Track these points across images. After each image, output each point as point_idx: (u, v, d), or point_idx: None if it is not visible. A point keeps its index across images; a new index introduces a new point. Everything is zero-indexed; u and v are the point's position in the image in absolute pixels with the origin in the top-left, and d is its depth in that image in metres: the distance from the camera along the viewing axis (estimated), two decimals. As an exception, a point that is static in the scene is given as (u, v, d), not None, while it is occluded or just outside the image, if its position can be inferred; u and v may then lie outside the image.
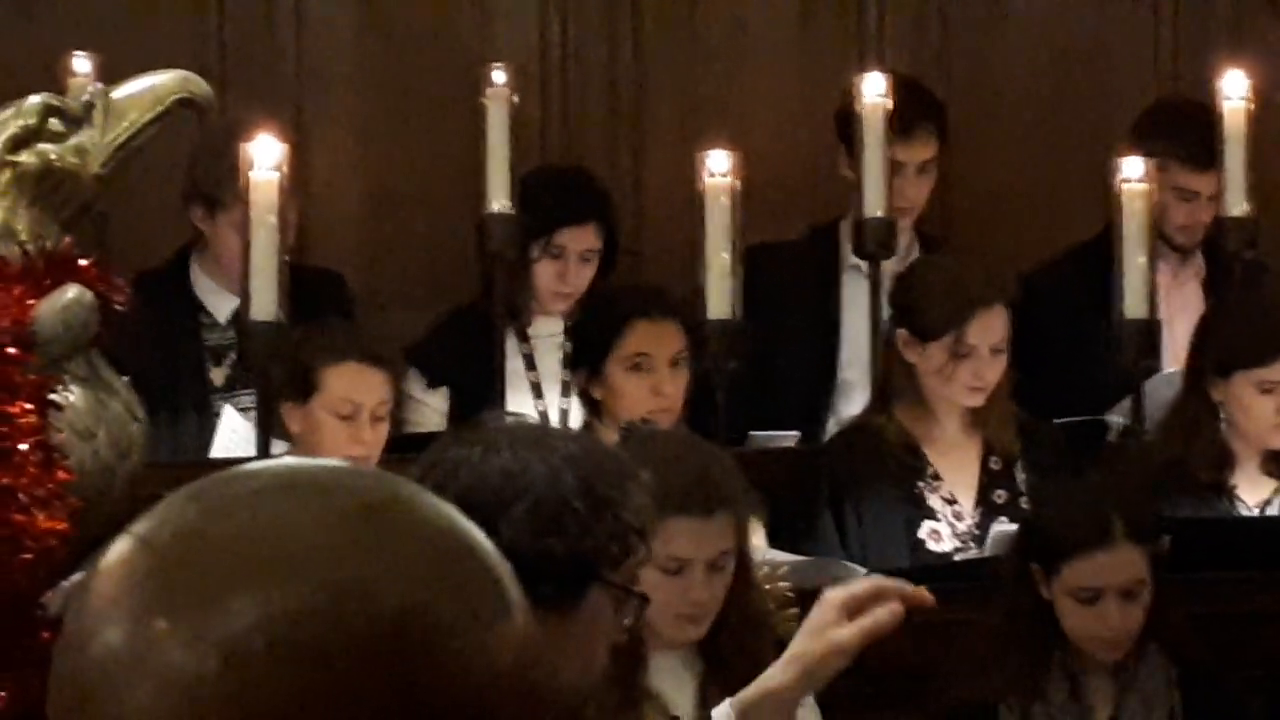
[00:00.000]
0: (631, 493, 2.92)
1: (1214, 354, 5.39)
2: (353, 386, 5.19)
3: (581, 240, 5.81)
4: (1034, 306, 5.80)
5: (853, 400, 5.96)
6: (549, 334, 5.92)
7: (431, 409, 5.73)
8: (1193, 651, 4.78)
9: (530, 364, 5.88)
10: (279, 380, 5.28)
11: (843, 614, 3.18)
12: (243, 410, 5.57)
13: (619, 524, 2.85)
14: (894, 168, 5.72)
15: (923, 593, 3.23)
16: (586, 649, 2.91)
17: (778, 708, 3.30)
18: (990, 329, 5.31)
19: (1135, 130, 6.01)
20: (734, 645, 4.02)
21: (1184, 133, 6.04)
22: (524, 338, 5.89)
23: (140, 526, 1.64)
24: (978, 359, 5.33)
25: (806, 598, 3.87)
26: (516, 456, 2.87)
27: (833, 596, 3.23)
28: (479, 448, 2.91)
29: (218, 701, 1.56)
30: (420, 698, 1.58)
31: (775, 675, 3.26)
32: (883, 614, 3.17)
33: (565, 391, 5.81)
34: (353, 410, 5.10)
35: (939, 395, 5.39)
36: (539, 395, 5.83)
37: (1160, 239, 5.71)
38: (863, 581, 3.45)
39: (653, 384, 5.30)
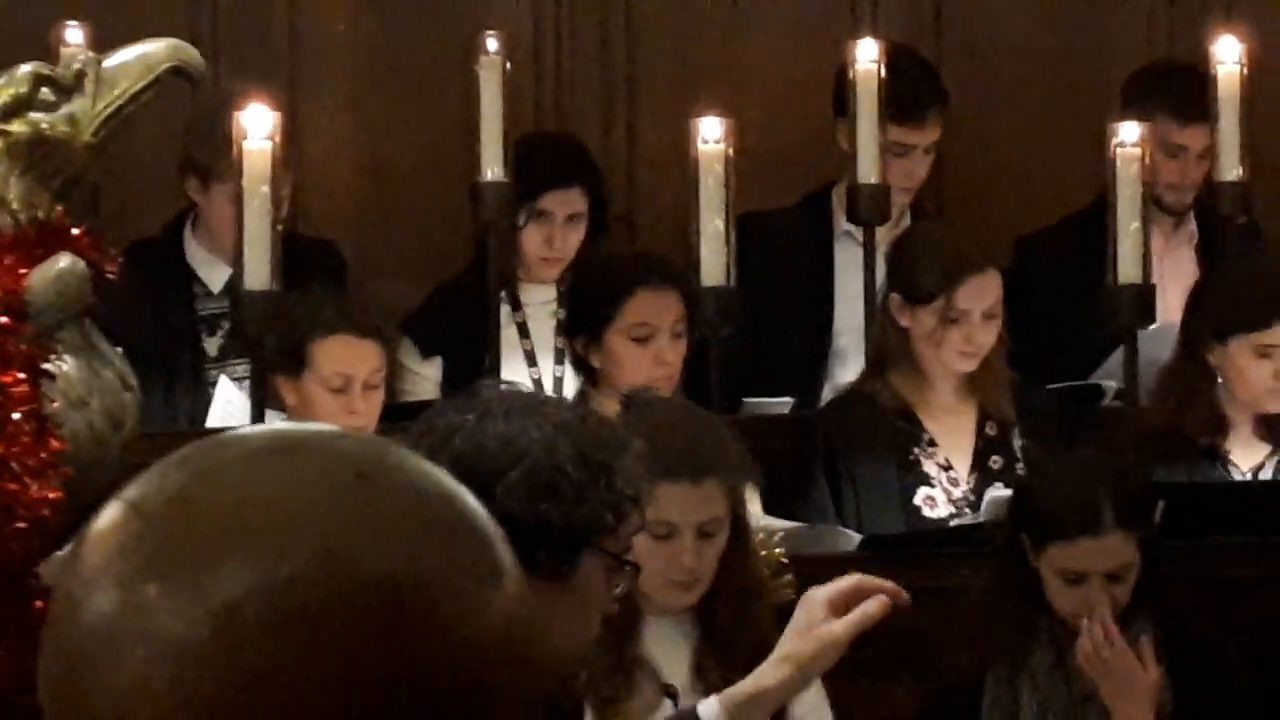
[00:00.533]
0: (626, 461, 2.90)
1: (1210, 319, 5.36)
2: (343, 360, 5.17)
3: (567, 204, 5.77)
4: (1029, 272, 5.87)
5: (848, 367, 5.91)
6: (541, 301, 5.89)
7: (426, 379, 5.69)
8: (1181, 619, 4.77)
9: (524, 332, 5.84)
10: (272, 353, 5.25)
11: (829, 611, 3.19)
12: (237, 380, 5.53)
13: (613, 492, 2.83)
14: (903, 150, 5.74)
15: (901, 592, 3.23)
16: (580, 617, 2.89)
17: (768, 707, 3.30)
18: (982, 293, 5.29)
19: (1125, 90, 6.00)
20: (729, 613, 3.99)
21: (1172, 88, 6.05)
22: (516, 306, 5.86)
23: (130, 492, 1.63)
24: (969, 324, 5.30)
25: (802, 565, 3.92)
26: (512, 423, 2.85)
27: (818, 595, 3.23)
28: (473, 414, 2.88)
29: (209, 666, 1.55)
30: (411, 663, 1.56)
31: (767, 674, 3.26)
32: (871, 607, 3.17)
33: (559, 359, 5.77)
34: (344, 383, 5.07)
35: (933, 361, 5.35)
36: (533, 363, 5.80)
37: (1153, 202, 5.69)
38: (845, 579, 3.39)
39: (655, 352, 5.28)
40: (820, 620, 3.20)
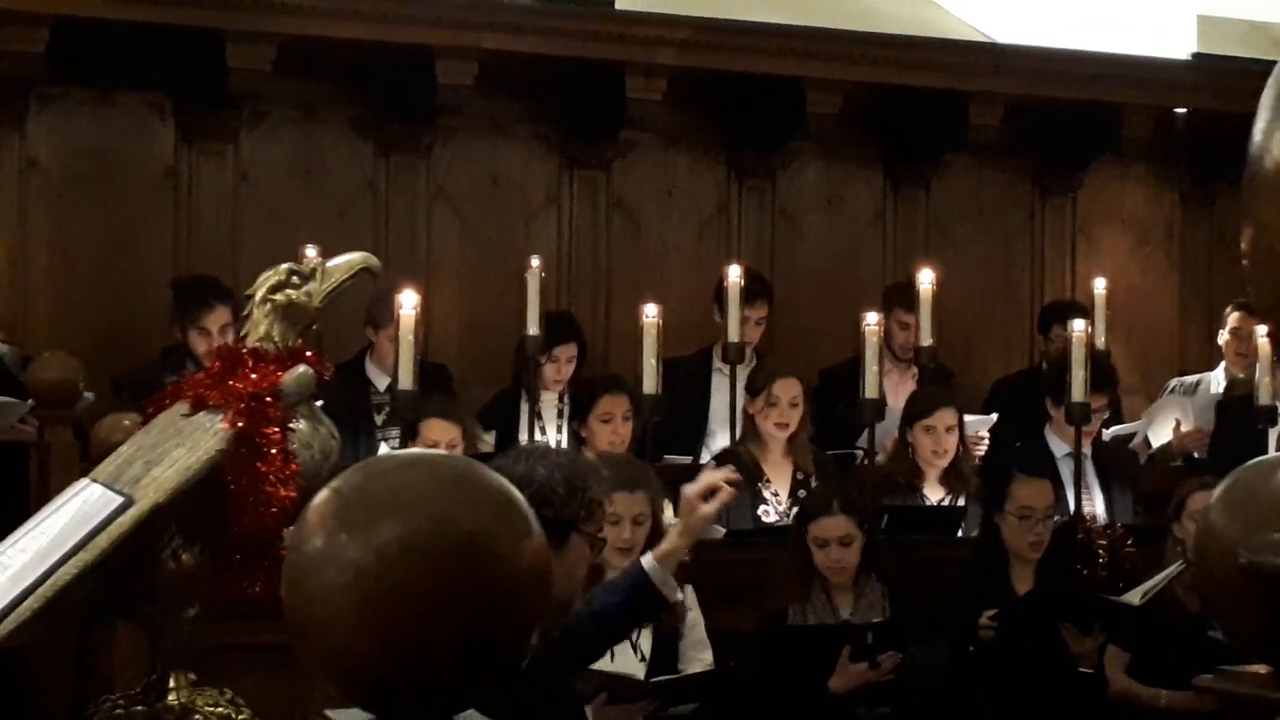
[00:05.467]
0: (593, 482, 3.24)
1: (905, 411, 6.31)
2: (433, 432, 5.73)
3: (567, 351, 6.55)
4: (825, 387, 6.96)
5: (715, 440, 6.79)
6: (548, 402, 6.53)
7: (486, 443, 6.16)
8: (896, 578, 5.41)
9: (538, 417, 6.44)
10: (404, 428, 5.84)
11: (700, 498, 3.57)
12: (388, 440, 6.28)
13: (585, 499, 3.18)
14: (745, 320, 6.54)
15: (735, 476, 3.67)
16: (571, 572, 3.15)
17: (677, 555, 3.55)
18: (787, 389, 6.07)
19: (884, 295, 7.23)
20: None
21: (902, 292, 7.12)
22: (535, 403, 6.47)
23: (333, 483, 1.92)
24: (780, 407, 6.06)
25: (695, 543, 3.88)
26: (527, 465, 3.15)
27: (692, 490, 3.61)
28: (509, 459, 3.24)
29: (372, 580, 1.80)
30: (481, 581, 1.82)
31: (672, 537, 3.60)
32: (726, 494, 3.61)
33: (558, 431, 6.41)
34: (432, 447, 5.50)
35: (767, 433, 6.05)
36: (544, 434, 6.37)
37: (890, 354, 6.78)
38: (703, 476, 3.76)
39: (613, 429, 6.02)
40: (696, 504, 3.57)
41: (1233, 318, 7.34)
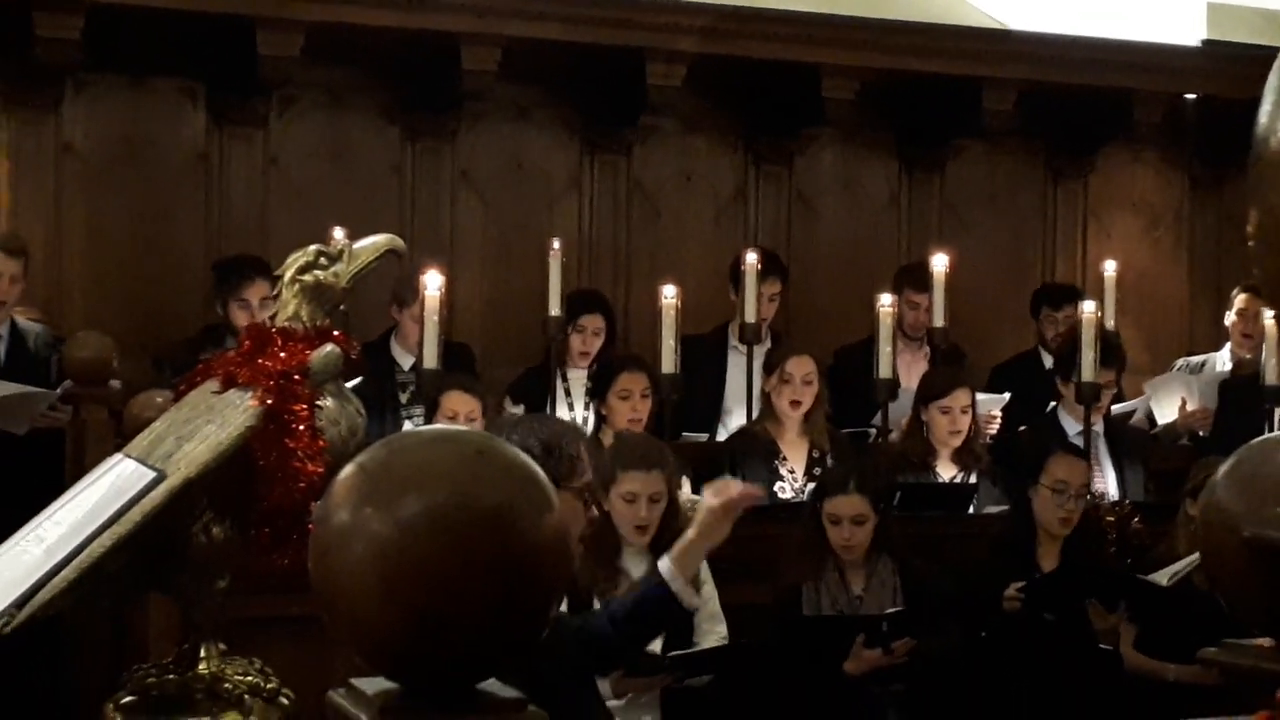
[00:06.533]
0: (572, 443, 3.25)
1: (921, 392, 6.26)
2: (452, 404, 5.76)
3: (593, 323, 6.56)
4: (840, 365, 6.89)
5: (730, 418, 6.78)
6: (577, 378, 6.56)
7: (516, 414, 5.99)
8: (907, 556, 5.35)
9: (568, 393, 6.51)
10: (429, 404, 5.87)
11: (723, 510, 3.52)
12: (413, 418, 6.28)
13: (564, 456, 3.20)
14: (759, 296, 6.57)
15: (758, 492, 3.65)
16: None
17: (693, 555, 3.52)
18: (800, 366, 6.09)
19: (895, 278, 7.19)
20: (668, 547, 3.86)
21: (912, 273, 7.18)
22: (564, 379, 6.54)
23: (359, 457, 1.94)
24: (794, 384, 6.08)
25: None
26: (504, 436, 3.01)
27: (715, 501, 3.54)
28: (507, 429, 3.25)
29: (396, 552, 1.80)
30: (503, 553, 1.81)
31: (690, 537, 3.53)
32: (743, 499, 3.54)
33: (586, 408, 6.41)
34: (454, 418, 5.64)
35: (783, 411, 6.08)
36: (571, 410, 6.46)
37: (901, 334, 6.68)
38: (723, 486, 3.66)
39: (631, 406, 6.00)
40: (713, 509, 3.51)
41: (1239, 299, 7.29)
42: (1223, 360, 7.39)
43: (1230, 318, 7.41)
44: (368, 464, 1.91)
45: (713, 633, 4.87)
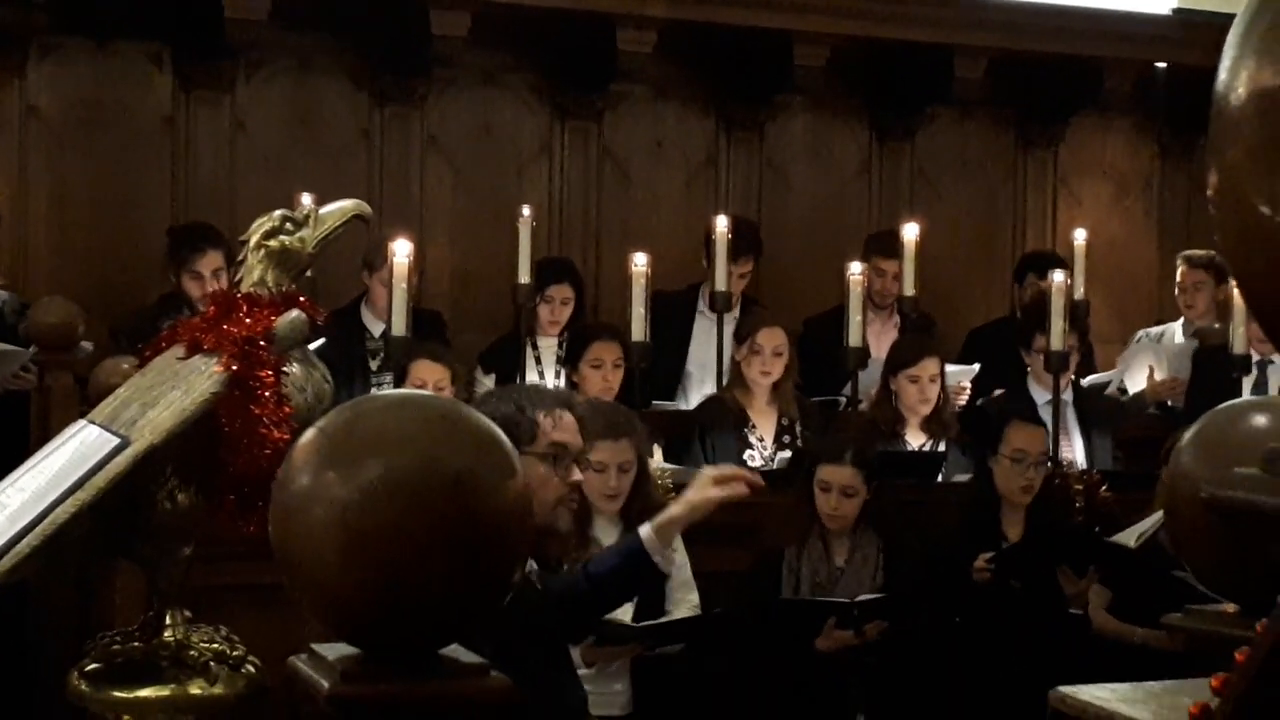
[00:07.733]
0: (537, 408, 3.31)
1: (889, 361, 6.30)
2: (420, 373, 5.73)
3: (562, 293, 6.56)
4: (809, 334, 6.89)
5: (690, 382, 6.79)
6: (547, 346, 6.58)
7: (485, 385, 6.16)
8: (893, 534, 5.36)
9: (538, 361, 6.48)
10: (397, 370, 5.85)
11: (713, 481, 3.52)
12: (382, 385, 6.18)
13: (528, 423, 3.27)
14: (730, 271, 6.59)
15: (758, 480, 3.57)
16: (535, 493, 2.84)
17: (675, 527, 3.51)
18: (770, 338, 6.10)
19: (865, 245, 7.22)
20: (639, 514, 4.36)
21: (880, 240, 7.22)
22: (534, 348, 6.51)
23: (320, 422, 1.97)
24: (764, 355, 6.10)
25: (681, 489, 3.84)
26: (493, 404, 3.25)
27: (710, 471, 3.59)
28: (491, 400, 3.35)
29: (357, 517, 1.81)
30: (467, 519, 1.81)
31: (675, 508, 3.52)
32: (739, 488, 3.52)
33: (557, 376, 6.40)
34: (422, 386, 5.54)
35: (753, 380, 6.09)
36: (542, 378, 6.42)
37: (870, 302, 6.70)
38: (726, 466, 3.81)
39: (603, 375, 6.02)
40: (709, 485, 3.50)
41: (1179, 271, 7.37)
42: (1178, 330, 7.43)
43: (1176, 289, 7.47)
44: (329, 428, 1.92)
45: (685, 601, 4.90)
